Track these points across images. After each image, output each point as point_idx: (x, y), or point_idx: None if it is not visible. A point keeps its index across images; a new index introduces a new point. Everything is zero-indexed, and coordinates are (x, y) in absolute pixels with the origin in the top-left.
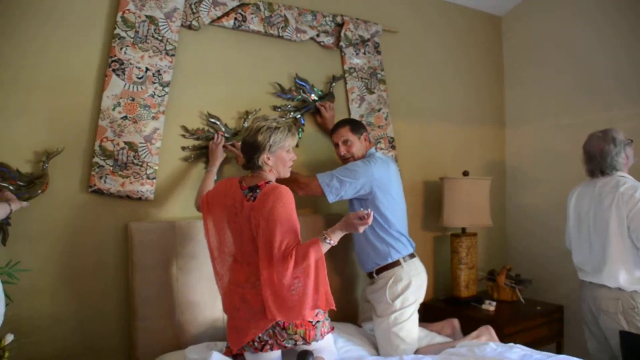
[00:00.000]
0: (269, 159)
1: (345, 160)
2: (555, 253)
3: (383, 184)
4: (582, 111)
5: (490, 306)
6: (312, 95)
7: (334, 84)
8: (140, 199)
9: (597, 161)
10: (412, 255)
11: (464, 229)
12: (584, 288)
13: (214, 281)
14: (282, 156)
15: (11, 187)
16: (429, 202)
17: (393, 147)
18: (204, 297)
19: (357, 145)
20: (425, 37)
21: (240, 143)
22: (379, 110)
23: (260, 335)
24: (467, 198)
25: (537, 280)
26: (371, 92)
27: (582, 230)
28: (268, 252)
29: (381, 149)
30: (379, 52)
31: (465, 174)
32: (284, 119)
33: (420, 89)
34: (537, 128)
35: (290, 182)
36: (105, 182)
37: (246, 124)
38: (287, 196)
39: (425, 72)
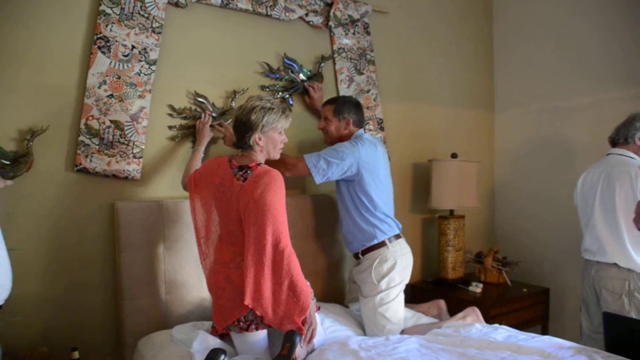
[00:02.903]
0: (260, 139)
1: (324, 134)
2: (542, 236)
3: (370, 166)
4: (572, 94)
5: (477, 288)
6: (301, 75)
7: (322, 64)
8: (126, 178)
9: (621, 128)
10: (397, 236)
11: (451, 211)
12: (590, 267)
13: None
14: (273, 137)
15: None
16: (417, 184)
17: (382, 129)
18: (192, 278)
19: (335, 125)
20: (415, 19)
21: (228, 122)
22: (368, 91)
23: (245, 315)
24: (455, 180)
25: (523, 263)
26: (360, 73)
27: (587, 210)
28: (258, 242)
29: (370, 130)
30: (368, 33)
31: (454, 156)
32: (278, 101)
33: (409, 71)
34: (527, 111)
35: (278, 163)
36: (91, 161)
37: (234, 104)
38: (279, 182)
39: (414, 54)
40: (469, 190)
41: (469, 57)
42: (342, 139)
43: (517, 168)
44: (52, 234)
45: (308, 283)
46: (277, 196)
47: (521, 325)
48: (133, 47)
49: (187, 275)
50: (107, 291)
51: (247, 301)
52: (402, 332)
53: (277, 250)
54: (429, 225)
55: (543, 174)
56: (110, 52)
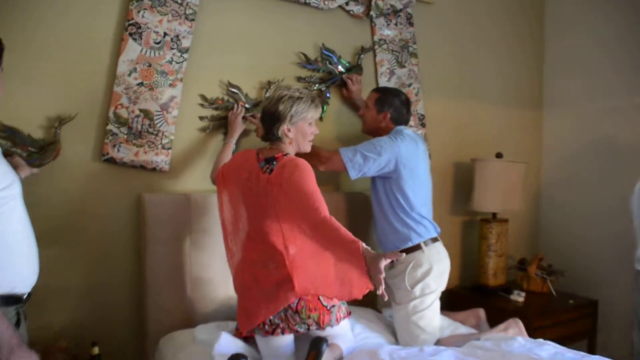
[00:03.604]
0: (289, 130)
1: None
2: (591, 245)
3: (409, 163)
4: (629, 93)
5: (519, 297)
6: (339, 66)
7: (362, 55)
8: (154, 169)
9: None
10: (434, 240)
11: (494, 214)
12: None
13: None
14: (303, 128)
15: (23, 153)
16: (458, 184)
17: (423, 125)
18: (217, 275)
19: (372, 115)
20: (461, 10)
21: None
22: (410, 85)
23: (271, 317)
24: (499, 182)
25: (570, 272)
26: (402, 66)
27: None
28: (304, 218)
29: (410, 126)
30: (411, 24)
31: (499, 155)
32: (307, 90)
33: (453, 65)
34: (578, 110)
35: (311, 156)
36: (118, 150)
37: (268, 94)
38: (306, 169)
39: (459, 47)
40: (514, 193)
41: (517, 51)
42: (378, 131)
43: (566, 170)
44: (76, 225)
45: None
46: (304, 177)
47: (566, 339)
48: (165, 34)
49: (213, 272)
50: (131, 286)
51: (301, 290)
52: (438, 342)
53: (319, 226)
54: (469, 228)
55: (594, 177)
56: (141, 39)
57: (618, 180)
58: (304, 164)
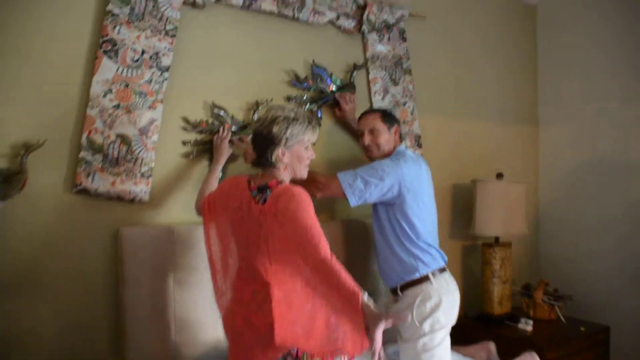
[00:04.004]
0: (283, 154)
1: (368, 151)
2: (598, 267)
3: (414, 187)
4: (631, 104)
5: (527, 325)
6: (331, 85)
7: (355, 73)
8: (133, 200)
9: None
10: (442, 270)
11: (497, 239)
12: None
13: None
14: (299, 152)
15: None
16: (457, 207)
17: (419, 146)
18: (206, 315)
19: (385, 137)
20: (454, 25)
21: (249, 137)
22: (404, 104)
23: None
24: (501, 204)
25: (576, 296)
26: (396, 84)
27: None
28: (302, 255)
29: (406, 147)
30: (404, 39)
31: (499, 176)
32: (302, 110)
33: (448, 81)
34: (576, 127)
35: (307, 182)
36: (93, 180)
37: (256, 116)
38: (304, 199)
39: (454, 63)
40: (517, 215)
41: (512, 64)
42: (388, 154)
43: (566, 189)
44: (45, 265)
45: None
46: (301, 208)
47: None
48: (143, 51)
49: (201, 312)
50: (109, 331)
51: (303, 344)
52: None
53: (318, 267)
54: (469, 254)
55: (596, 195)
56: (117, 56)
57: (622, 196)
58: (302, 193)
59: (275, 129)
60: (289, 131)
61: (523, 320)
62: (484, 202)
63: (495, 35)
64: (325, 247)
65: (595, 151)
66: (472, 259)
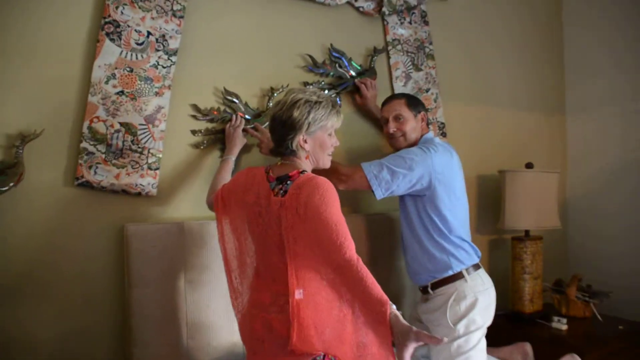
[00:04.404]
0: (305, 141)
1: (393, 140)
2: (630, 260)
3: (445, 178)
4: None
5: (561, 324)
6: (350, 70)
7: (375, 57)
8: (139, 194)
9: None
10: (476, 267)
11: (527, 232)
12: None
13: None
14: (322, 139)
15: None
16: (483, 199)
17: (443, 135)
18: (220, 318)
19: (412, 124)
20: (476, 7)
21: (264, 126)
22: (427, 90)
23: None
24: (532, 195)
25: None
26: (418, 69)
27: None
28: (324, 255)
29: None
30: (426, 23)
31: (529, 166)
32: (326, 93)
33: (471, 67)
34: (606, 114)
35: (328, 173)
36: (95, 173)
37: (271, 104)
38: (330, 191)
39: (476, 49)
40: (549, 207)
41: (537, 48)
42: (415, 143)
43: (595, 180)
44: (45, 265)
45: None
46: (326, 202)
47: None
48: (149, 33)
49: (215, 314)
50: (113, 337)
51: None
52: None
53: (342, 270)
54: (496, 248)
55: (626, 187)
56: (121, 39)
57: None
58: (326, 184)
59: (296, 114)
60: (311, 115)
61: (556, 318)
62: (514, 193)
63: (520, 20)
64: (350, 248)
65: (625, 142)
66: (498, 254)
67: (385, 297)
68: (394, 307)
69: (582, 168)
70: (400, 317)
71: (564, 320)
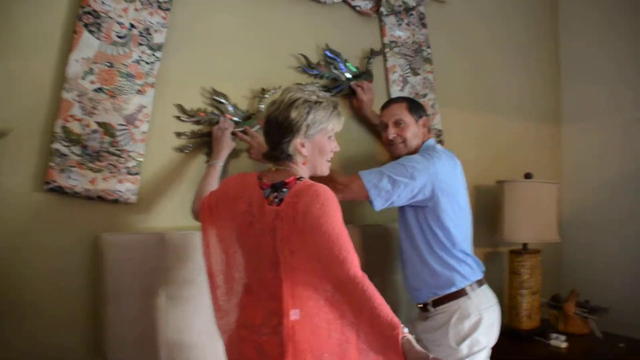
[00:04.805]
0: (303, 145)
1: (392, 147)
2: (627, 275)
3: (449, 187)
4: None
5: (560, 342)
6: (346, 72)
7: (372, 59)
8: (117, 201)
9: None
10: (480, 282)
11: (525, 245)
12: None
13: None
14: (322, 143)
15: None
16: (481, 210)
17: (440, 142)
18: (203, 338)
19: (413, 129)
20: (474, 10)
21: (255, 129)
22: (425, 96)
23: None
24: (531, 207)
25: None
26: (415, 73)
27: None
28: (325, 271)
29: None
30: (424, 25)
31: (528, 176)
32: (327, 93)
33: (469, 73)
34: (603, 124)
35: (324, 181)
36: (69, 177)
37: (262, 106)
38: (330, 200)
39: (474, 54)
40: (548, 220)
41: (537, 55)
42: (415, 150)
43: (591, 191)
44: (10, 279)
45: None
46: (327, 212)
47: None
48: (132, 26)
49: (197, 334)
50: (87, 357)
51: None
52: None
53: (344, 288)
54: (492, 262)
55: (624, 199)
56: (100, 31)
57: None
58: (327, 192)
59: (293, 114)
60: (310, 117)
61: (554, 335)
62: (513, 205)
63: (516, 23)
64: (354, 264)
65: (625, 152)
66: (494, 267)
67: (396, 319)
68: (406, 330)
69: (578, 179)
70: (414, 342)
71: (563, 338)
